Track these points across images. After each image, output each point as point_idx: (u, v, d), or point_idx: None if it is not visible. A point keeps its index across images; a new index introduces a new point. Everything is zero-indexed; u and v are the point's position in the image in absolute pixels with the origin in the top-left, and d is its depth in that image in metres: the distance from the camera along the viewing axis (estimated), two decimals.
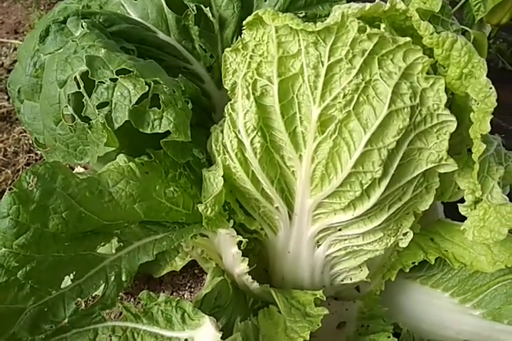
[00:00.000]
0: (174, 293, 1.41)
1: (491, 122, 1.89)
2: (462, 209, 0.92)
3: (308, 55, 0.80)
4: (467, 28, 1.50)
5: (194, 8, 1.11)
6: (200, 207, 0.87)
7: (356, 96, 0.78)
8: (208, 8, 1.12)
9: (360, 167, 0.82)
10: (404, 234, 0.98)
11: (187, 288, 1.40)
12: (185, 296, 1.41)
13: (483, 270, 1.04)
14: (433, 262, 1.09)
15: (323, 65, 0.79)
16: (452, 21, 0.85)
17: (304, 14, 1.16)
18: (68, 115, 0.90)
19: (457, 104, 0.87)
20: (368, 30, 0.75)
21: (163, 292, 1.41)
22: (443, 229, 1.11)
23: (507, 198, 0.80)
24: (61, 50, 0.93)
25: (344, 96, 0.78)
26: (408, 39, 0.75)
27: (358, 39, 0.76)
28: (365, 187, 0.84)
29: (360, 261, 1.05)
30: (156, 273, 1.34)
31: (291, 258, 1.07)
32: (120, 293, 1.39)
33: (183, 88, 0.93)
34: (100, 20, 1.00)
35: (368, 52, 0.76)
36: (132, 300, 1.40)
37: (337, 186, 0.85)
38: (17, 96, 1.05)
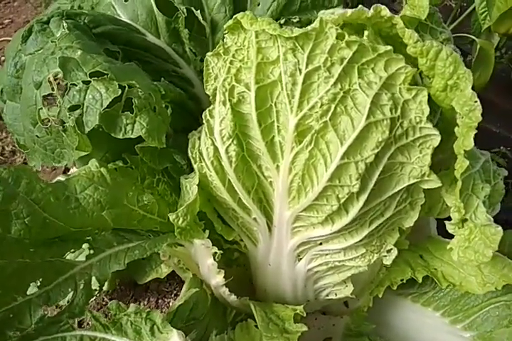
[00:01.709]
0: (160, 300, 1.39)
1: (497, 134, 1.83)
2: (449, 227, 0.87)
3: (286, 61, 0.76)
4: (474, 37, 1.45)
5: (185, 10, 1.09)
6: (171, 217, 0.84)
7: (333, 106, 0.74)
8: (199, 11, 1.10)
9: (336, 180, 0.78)
10: (388, 251, 0.94)
11: (173, 295, 1.38)
12: (171, 303, 1.38)
13: (473, 291, 0.99)
14: (420, 280, 1.05)
15: (300, 72, 0.75)
16: (442, 30, 0.80)
17: (297, 19, 1.13)
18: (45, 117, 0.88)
19: (445, 117, 0.83)
20: (347, 37, 0.71)
21: (149, 299, 1.39)
22: (433, 247, 1.07)
23: (491, 218, 0.75)
24: (41, 50, 0.91)
25: (321, 105, 0.75)
26: (389, 48, 0.71)
27: (336, 46, 0.72)
28: (342, 201, 0.80)
29: (344, 276, 1.01)
30: (141, 280, 1.32)
31: (272, 271, 1.03)
32: (105, 299, 1.39)
33: (163, 92, 0.91)
34: (85, 21, 0.99)
35: (347, 60, 0.73)
36: None
37: (313, 199, 0.81)
38: (0, 96, 1.04)
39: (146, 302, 1.37)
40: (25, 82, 0.91)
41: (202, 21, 1.11)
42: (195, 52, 1.13)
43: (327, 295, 1.09)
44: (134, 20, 1.10)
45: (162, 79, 0.97)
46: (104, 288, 1.25)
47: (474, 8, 1.41)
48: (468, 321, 1.08)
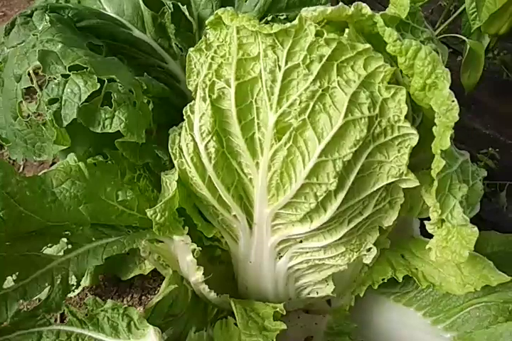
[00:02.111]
0: (143, 297, 1.38)
1: (487, 135, 1.82)
2: (429, 227, 0.87)
3: (266, 58, 0.76)
4: (464, 38, 1.45)
5: (171, 5, 1.08)
6: (149, 213, 0.84)
7: (312, 103, 0.74)
8: (185, 7, 1.09)
9: (314, 178, 0.78)
10: (368, 250, 0.94)
11: (156, 292, 1.37)
12: None
13: (452, 292, 0.99)
14: (400, 280, 1.05)
15: (280, 69, 0.75)
16: (423, 29, 0.80)
17: (285, 16, 1.12)
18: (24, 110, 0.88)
19: (426, 116, 0.83)
20: (325, 35, 0.71)
21: (132, 295, 1.38)
22: (414, 246, 1.06)
23: (468, 219, 0.75)
24: (23, 43, 0.90)
25: (300, 103, 0.74)
26: (368, 46, 0.71)
27: (315, 44, 0.72)
28: (320, 199, 0.80)
29: (325, 275, 1.01)
30: (125, 276, 1.31)
31: (253, 269, 1.03)
32: (88, 295, 1.38)
33: (145, 87, 0.90)
34: (69, 14, 0.98)
35: (326, 58, 0.72)
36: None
37: (291, 197, 0.81)
38: None
39: (129, 299, 1.37)
40: (6, 75, 0.91)
41: (189, 17, 1.11)
42: (181, 48, 1.12)
43: (308, 294, 1.08)
44: (120, 15, 1.09)
45: (145, 74, 0.97)
46: (87, 283, 1.24)
47: (464, 10, 1.40)
48: (449, 322, 1.08)
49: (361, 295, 1.11)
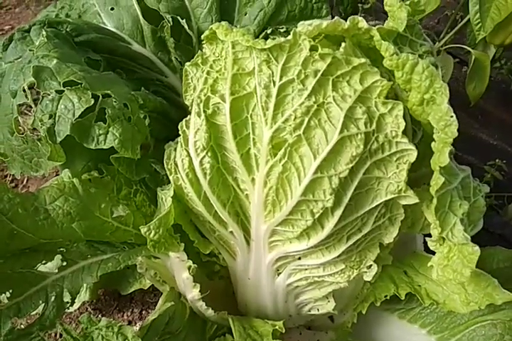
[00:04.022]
0: (143, 312, 1.36)
1: (494, 146, 1.80)
2: (431, 243, 0.85)
3: (260, 73, 0.75)
4: (469, 49, 1.43)
5: (170, 19, 1.08)
6: (143, 230, 0.83)
7: (307, 119, 0.72)
8: (185, 21, 1.09)
9: (310, 195, 0.76)
10: (369, 267, 0.91)
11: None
12: None
13: (456, 310, 0.96)
14: (403, 297, 1.02)
15: (274, 84, 0.74)
16: (422, 42, 0.79)
17: (284, 29, 1.12)
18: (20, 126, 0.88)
19: (426, 131, 0.81)
20: (320, 50, 0.69)
21: (133, 310, 1.37)
22: (417, 263, 1.04)
23: (469, 237, 0.73)
24: (20, 59, 0.90)
25: (295, 118, 0.73)
26: (363, 60, 0.70)
27: (310, 59, 0.71)
28: (316, 216, 0.78)
29: (325, 292, 0.99)
30: (124, 291, 1.29)
31: (252, 285, 1.01)
32: (89, 309, 1.37)
33: (141, 102, 0.90)
34: (67, 29, 0.98)
35: (321, 72, 0.71)
36: (100, 316, 1.36)
37: (287, 214, 0.79)
38: None
39: (129, 313, 1.35)
40: (3, 90, 0.91)
41: (188, 30, 1.10)
42: (180, 61, 1.12)
43: (309, 311, 1.06)
44: (120, 29, 1.09)
45: (142, 88, 0.96)
46: (86, 298, 1.22)
47: (468, 20, 1.39)
48: (454, 339, 1.05)
49: (363, 312, 1.09)
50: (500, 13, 1.28)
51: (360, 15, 0.74)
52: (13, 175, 1.64)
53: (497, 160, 1.58)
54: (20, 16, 2.33)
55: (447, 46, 1.49)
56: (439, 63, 0.79)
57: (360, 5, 1.98)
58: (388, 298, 1.05)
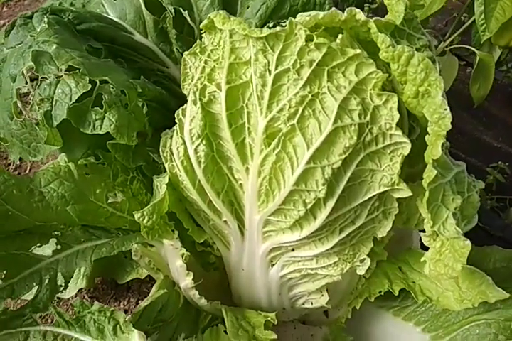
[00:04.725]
0: (140, 301, 1.37)
1: (498, 149, 1.79)
2: (424, 239, 0.84)
3: (256, 62, 0.75)
4: (474, 49, 1.43)
5: (172, 10, 1.08)
6: (136, 215, 0.83)
7: (301, 109, 0.72)
8: (187, 12, 1.09)
9: (302, 185, 0.76)
10: (362, 261, 0.91)
11: None
12: None
13: (450, 307, 0.96)
14: (397, 293, 1.02)
15: (270, 73, 0.74)
16: (420, 36, 0.78)
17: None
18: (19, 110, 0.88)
19: (422, 124, 0.80)
20: (315, 39, 0.70)
21: (129, 299, 1.37)
22: (412, 259, 1.03)
23: (461, 231, 0.72)
24: (21, 44, 0.91)
25: (289, 108, 0.73)
26: (358, 51, 0.70)
27: (305, 48, 0.71)
28: (309, 206, 0.78)
29: (319, 285, 0.99)
30: (121, 280, 1.30)
31: (245, 276, 1.01)
32: (85, 297, 1.38)
33: (140, 90, 0.90)
34: (69, 17, 0.99)
35: (316, 62, 0.71)
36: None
37: (280, 203, 0.79)
38: None
39: (126, 302, 1.36)
40: (3, 75, 0.92)
41: (190, 22, 1.10)
42: (182, 53, 1.12)
43: (303, 304, 1.06)
44: (122, 19, 1.10)
45: (142, 77, 0.97)
46: (83, 285, 1.23)
47: (474, 21, 1.38)
48: (448, 338, 1.04)
49: (357, 307, 1.09)
50: (505, 13, 1.27)
51: (368, 16, 0.75)
52: (16, 163, 1.66)
53: (500, 163, 1.58)
54: (29, 8, 2.34)
55: (452, 47, 1.48)
56: (437, 58, 0.79)
57: (367, 5, 1.98)
58: (383, 293, 1.05)
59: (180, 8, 1.09)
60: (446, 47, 1.52)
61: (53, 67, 0.80)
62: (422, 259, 0.86)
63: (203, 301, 0.99)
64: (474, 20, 1.40)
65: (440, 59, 1.52)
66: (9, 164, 1.71)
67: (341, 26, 0.77)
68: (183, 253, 0.90)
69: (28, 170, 1.69)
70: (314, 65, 0.71)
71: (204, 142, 0.81)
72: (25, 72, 0.82)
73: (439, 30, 2.11)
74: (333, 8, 0.73)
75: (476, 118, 1.84)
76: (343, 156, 0.73)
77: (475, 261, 1.10)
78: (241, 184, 0.84)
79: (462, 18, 1.70)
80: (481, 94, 1.45)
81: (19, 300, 1.08)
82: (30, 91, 0.87)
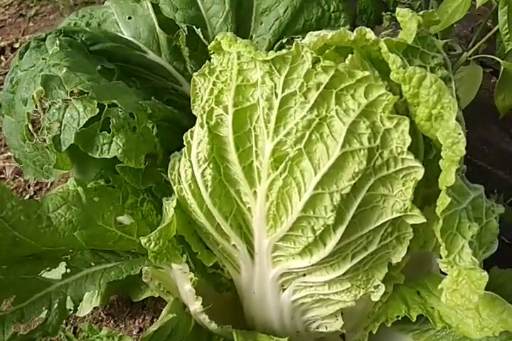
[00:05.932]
0: (155, 319, 1.36)
1: None
2: (442, 265, 0.81)
3: (263, 85, 0.73)
4: (498, 59, 1.38)
5: (185, 29, 1.08)
6: (143, 241, 0.82)
7: (308, 133, 0.70)
8: (200, 30, 1.09)
9: (310, 211, 0.73)
10: (376, 287, 0.88)
11: None
12: None
13: (469, 335, 0.91)
14: (414, 319, 0.98)
15: (277, 96, 0.72)
16: (435, 54, 0.75)
17: (301, 39, 1.09)
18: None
19: (436, 147, 0.77)
20: (322, 62, 0.67)
21: (144, 317, 1.37)
22: (431, 283, 0.99)
23: (477, 261, 0.68)
24: (33, 67, 0.92)
25: (296, 132, 0.71)
26: (367, 73, 0.67)
27: (312, 71, 0.69)
28: (317, 233, 0.75)
29: (333, 310, 0.95)
30: (136, 297, 1.30)
31: (257, 300, 0.99)
32: (101, 314, 1.38)
33: (150, 111, 0.89)
34: (83, 38, 0.99)
35: (323, 85, 0.69)
36: (112, 322, 1.37)
37: (287, 229, 0.77)
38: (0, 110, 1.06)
39: (141, 320, 1.35)
40: (16, 97, 0.92)
41: (204, 40, 1.10)
42: (196, 70, 1.11)
43: (317, 328, 1.03)
44: (136, 38, 1.10)
45: (153, 98, 0.96)
46: (97, 303, 1.23)
47: (497, 30, 1.33)
48: None
49: (374, 332, 1.05)
50: None
51: (389, 25, 0.72)
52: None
53: None
54: (54, 23, 2.39)
55: (476, 56, 1.43)
56: (453, 76, 0.76)
57: (389, 13, 1.94)
58: (400, 318, 1.01)
59: (194, 26, 1.08)
60: (470, 56, 1.47)
61: (62, 91, 0.80)
62: (440, 287, 0.82)
63: (213, 325, 0.97)
64: (498, 29, 1.35)
65: (464, 69, 1.47)
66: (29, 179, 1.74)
67: (351, 46, 0.74)
68: (192, 278, 0.88)
69: (49, 185, 1.71)
70: (322, 87, 0.69)
71: (211, 166, 0.79)
72: (35, 96, 0.82)
73: (465, 36, 2.05)
74: (342, 28, 0.71)
75: (502, 129, 1.77)
76: (353, 182, 0.71)
77: (497, 285, 1.05)
78: (249, 208, 0.82)
79: (488, 24, 1.64)
80: (507, 104, 1.40)
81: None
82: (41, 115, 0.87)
